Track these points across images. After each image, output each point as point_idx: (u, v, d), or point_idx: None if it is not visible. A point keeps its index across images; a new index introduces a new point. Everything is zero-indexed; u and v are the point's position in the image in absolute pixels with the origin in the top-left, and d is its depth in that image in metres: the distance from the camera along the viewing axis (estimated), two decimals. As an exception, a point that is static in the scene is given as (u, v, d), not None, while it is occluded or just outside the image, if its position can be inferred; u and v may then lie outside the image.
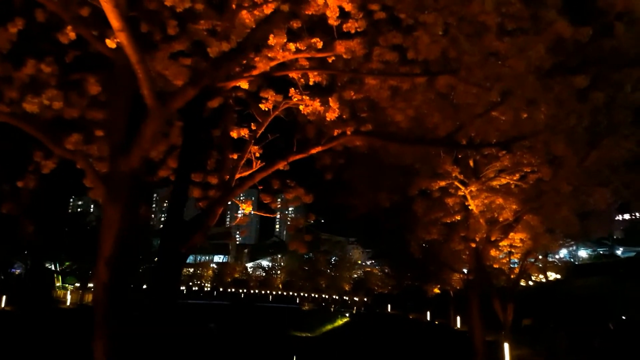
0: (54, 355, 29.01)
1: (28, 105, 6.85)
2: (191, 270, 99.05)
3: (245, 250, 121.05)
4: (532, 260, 30.12)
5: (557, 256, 47.90)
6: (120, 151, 6.54)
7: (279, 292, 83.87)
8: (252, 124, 9.89)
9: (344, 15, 8.79)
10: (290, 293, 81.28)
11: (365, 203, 19.63)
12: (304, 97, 9.01)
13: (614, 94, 9.98)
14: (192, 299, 74.89)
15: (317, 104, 8.79)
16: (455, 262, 31.67)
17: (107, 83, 7.68)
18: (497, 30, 7.27)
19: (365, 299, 72.51)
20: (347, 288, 79.00)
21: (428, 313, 51.62)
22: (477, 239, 20.31)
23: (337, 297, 77.53)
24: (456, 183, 19.73)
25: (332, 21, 8.56)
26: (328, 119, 8.95)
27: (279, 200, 11.22)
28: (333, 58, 9.04)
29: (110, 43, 6.13)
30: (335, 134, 9.20)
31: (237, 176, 8.98)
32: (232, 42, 7.07)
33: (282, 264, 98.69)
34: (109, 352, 6.11)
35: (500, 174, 20.31)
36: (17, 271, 64.98)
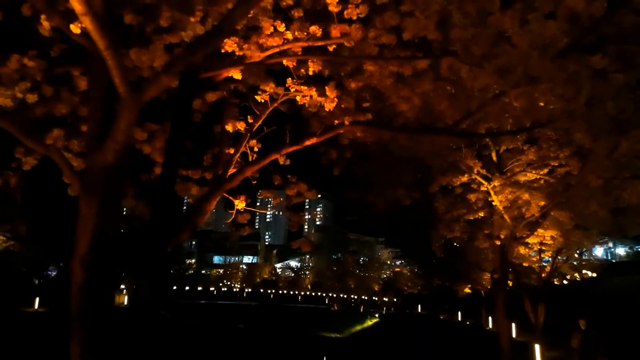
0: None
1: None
2: (221, 271, 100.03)
3: (274, 251, 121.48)
4: (565, 258, 28.92)
5: (593, 254, 46.07)
6: (95, 145, 6.24)
7: (308, 293, 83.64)
8: (249, 116, 9.49)
9: (344, 0, 8.32)
10: (319, 294, 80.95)
11: (383, 200, 19.05)
12: (301, 87, 8.55)
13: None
14: (221, 300, 75.46)
15: (313, 93, 8.33)
16: (481, 261, 30.75)
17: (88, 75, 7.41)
18: (499, 6, 6.68)
19: (395, 299, 71.65)
20: (376, 288, 78.27)
21: (459, 313, 50.69)
22: (502, 236, 19.45)
23: (366, 298, 76.83)
24: (478, 178, 18.96)
25: (333, 7, 8.11)
26: (327, 109, 8.47)
27: (281, 198, 10.75)
28: (334, 46, 8.58)
29: (75, 28, 5.81)
30: (335, 124, 8.73)
31: (231, 171, 8.57)
32: (207, 25, 6.69)
33: (310, 264, 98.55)
34: (85, 357, 5.79)
35: (526, 168, 19.44)
36: (53, 274, 66.73)
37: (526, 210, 18.80)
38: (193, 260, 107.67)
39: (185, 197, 9.68)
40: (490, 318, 42.51)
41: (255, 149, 9.55)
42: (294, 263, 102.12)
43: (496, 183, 18.24)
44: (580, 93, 7.38)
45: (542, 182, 19.21)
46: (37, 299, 38.80)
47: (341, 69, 9.42)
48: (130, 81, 5.88)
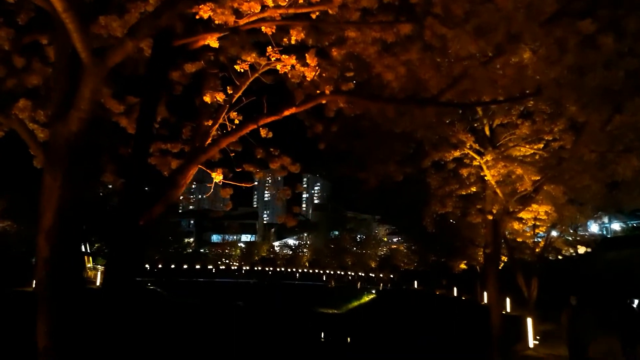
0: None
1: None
2: (219, 250, 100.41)
3: (272, 230, 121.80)
4: (559, 233, 28.88)
5: (588, 230, 46.07)
6: (60, 115, 5.96)
7: (306, 270, 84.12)
8: (229, 87, 9.15)
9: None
10: (317, 271, 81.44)
11: (375, 176, 18.79)
12: (282, 56, 8.21)
13: (633, 43, 8.81)
14: (220, 278, 75.90)
15: (293, 61, 7.99)
16: (475, 237, 30.71)
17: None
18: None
19: (392, 276, 72.08)
20: (373, 265, 78.80)
21: (455, 289, 51.01)
22: (494, 211, 19.30)
23: (363, 275, 77.33)
24: (471, 153, 18.73)
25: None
26: (308, 78, 8.16)
27: (270, 174, 10.47)
28: (317, 14, 8.24)
29: (27, -11, 5.50)
30: (316, 94, 8.40)
31: (208, 143, 8.28)
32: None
33: (308, 242, 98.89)
34: (52, 335, 5.61)
35: (520, 143, 19.20)
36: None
37: (519, 184, 18.63)
38: (192, 239, 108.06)
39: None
40: (485, 293, 42.80)
41: (236, 121, 9.24)
42: (291, 241, 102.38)
43: (489, 157, 18.01)
44: (568, 58, 7.08)
45: (536, 157, 18.99)
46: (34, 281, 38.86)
47: (325, 38, 9.08)
48: (93, 47, 5.57)
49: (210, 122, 8.52)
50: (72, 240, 5.90)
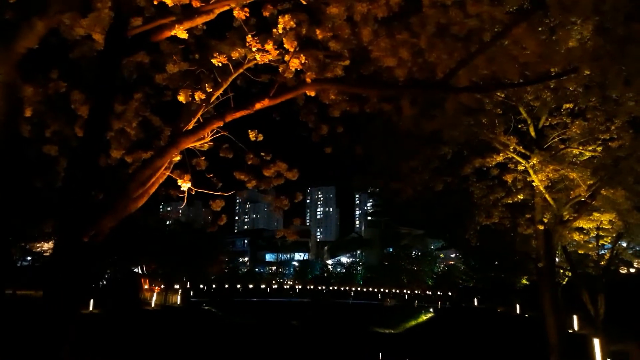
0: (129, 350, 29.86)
1: None
2: (273, 268, 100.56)
3: (325, 248, 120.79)
4: (626, 243, 26.13)
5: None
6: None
7: (360, 289, 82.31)
8: (207, 85, 8.13)
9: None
10: (371, 289, 79.45)
11: (411, 185, 17.41)
12: (260, 45, 7.13)
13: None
14: (273, 297, 75.54)
15: (269, 47, 6.90)
16: (530, 250, 28.39)
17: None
18: None
19: (450, 293, 69.13)
20: (430, 282, 76.06)
21: (517, 306, 48.15)
22: (545, 220, 17.34)
23: (419, 292, 74.66)
24: (515, 157, 16.99)
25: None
26: (291, 67, 7.09)
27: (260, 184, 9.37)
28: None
29: None
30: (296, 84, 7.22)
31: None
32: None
33: (361, 260, 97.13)
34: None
35: (571, 144, 17.28)
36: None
37: (572, 190, 16.70)
38: (246, 259, 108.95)
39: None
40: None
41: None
42: (344, 259, 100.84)
43: (535, 160, 16.21)
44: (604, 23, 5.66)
45: (590, 158, 17.01)
46: (92, 301, 39.52)
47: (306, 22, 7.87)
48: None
49: (184, 124, 7.47)
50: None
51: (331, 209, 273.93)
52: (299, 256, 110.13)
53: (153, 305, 52.79)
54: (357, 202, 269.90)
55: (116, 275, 60.38)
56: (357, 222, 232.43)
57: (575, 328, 33.28)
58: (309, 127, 9.33)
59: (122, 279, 59.75)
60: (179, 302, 58.71)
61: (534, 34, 6.51)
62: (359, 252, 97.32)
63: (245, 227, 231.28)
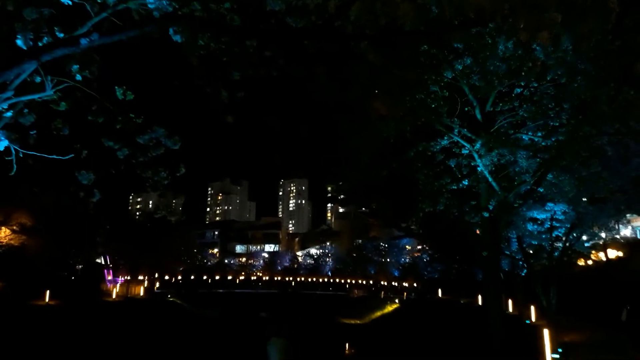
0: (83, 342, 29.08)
1: None
2: (243, 259, 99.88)
3: (297, 239, 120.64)
4: (578, 235, 26.37)
5: (620, 233, 42.90)
6: None
7: (328, 280, 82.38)
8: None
9: None
10: (339, 280, 79.59)
11: (355, 173, 17.04)
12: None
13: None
14: (240, 289, 75.02)
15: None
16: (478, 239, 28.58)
17: None
18: None
19: (415, 284, 69.66)
20: (396, 274, 76.58)
21: (479, 297, 48.77)
22: (491, 207, 17.21)
23: (386, 284, 75.05)
24: (460, 140, 16.73)
25: None
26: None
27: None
28: None
29: None
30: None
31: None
32: None
33: (330, 252, 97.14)
34: None
35: (519, 129, 17.16)
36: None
37: (518, 175, 16.60)
38: (216, 250, 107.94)
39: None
40: (510, 302, 40.60)
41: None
42: (314, 250, 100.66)
43: (480, 144, 16.02)
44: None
45: (535, 142, 16.84)
46: (48, 292, 38.45)
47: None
48: None
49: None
50: None
51: (303, 202, 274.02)
52: (269, 248, 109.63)
53: (114, 296, 51.69)
54: (329, 194, 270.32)
55: (76, 266, 59.24)
56: (329, 215, 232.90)
57: (533, 319, 33.79)
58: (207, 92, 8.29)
59: (83, 270, 58.57)
60: (142, 294, 57.66)
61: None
62: (328, 243, 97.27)
63: (217, 218, 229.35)
